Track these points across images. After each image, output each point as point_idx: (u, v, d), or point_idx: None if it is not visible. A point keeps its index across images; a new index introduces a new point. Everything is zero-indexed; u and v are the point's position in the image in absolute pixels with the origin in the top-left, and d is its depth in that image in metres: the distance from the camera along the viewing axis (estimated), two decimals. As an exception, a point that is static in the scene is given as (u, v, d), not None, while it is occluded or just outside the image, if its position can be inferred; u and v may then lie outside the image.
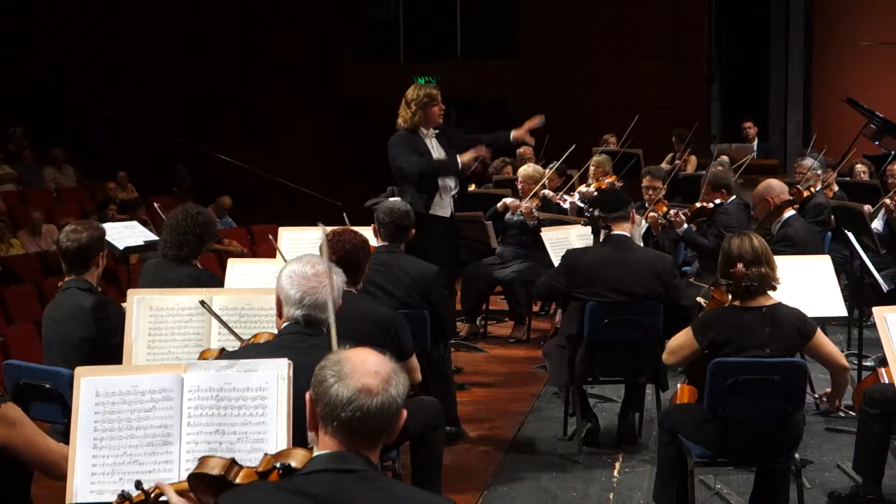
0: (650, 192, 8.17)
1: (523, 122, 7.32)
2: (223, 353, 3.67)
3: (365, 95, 15.05)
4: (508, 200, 8.50)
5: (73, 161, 14.47)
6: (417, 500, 2.39)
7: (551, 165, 9.26)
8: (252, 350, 3.53)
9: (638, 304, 5.61)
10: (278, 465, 2.51)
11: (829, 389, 4.82)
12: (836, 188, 9.50)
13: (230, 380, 3.17)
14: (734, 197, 7.95)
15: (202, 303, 4.27)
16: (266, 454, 2.65)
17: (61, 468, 3.19)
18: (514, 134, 7.25)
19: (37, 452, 3.26)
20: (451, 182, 6.97)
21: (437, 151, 6.88)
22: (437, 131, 6.95)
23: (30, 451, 3.24)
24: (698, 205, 7.83)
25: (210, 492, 2.63)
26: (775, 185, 7.18)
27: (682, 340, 4.71)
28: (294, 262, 3.53)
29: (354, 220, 5.88)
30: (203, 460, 2.68)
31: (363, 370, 2.35)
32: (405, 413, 2.42)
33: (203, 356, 3.70)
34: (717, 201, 7.76)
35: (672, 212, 7.78)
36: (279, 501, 2.33)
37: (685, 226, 7.68)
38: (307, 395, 2.43)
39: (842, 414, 6.14)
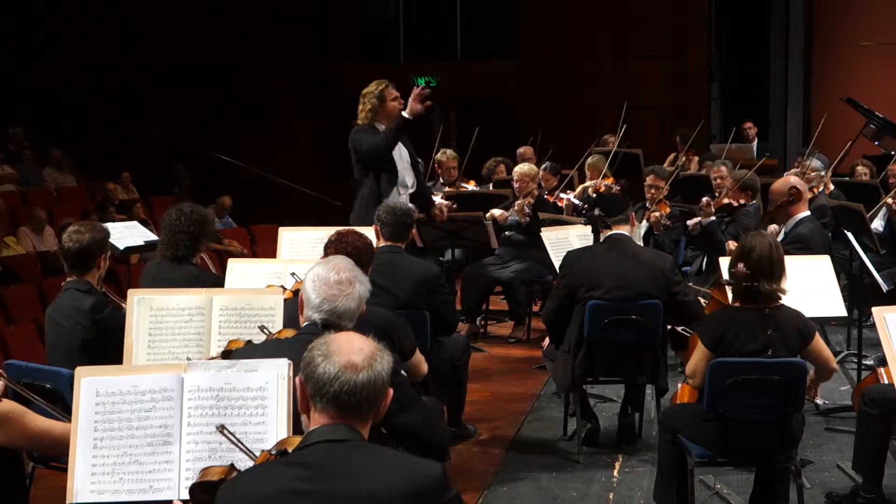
0: (652, 190, 8.17)
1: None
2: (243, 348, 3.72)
3: (365, 95, 15.04)
4: (497, 212, 8.60)
5: (73, 161, 14.47)
6: (408, 464, 2.50)
7: (544, 165, 9.30)
8: (272, 345, 3.60)
9: (638, 303, 5.60)
10: (274, 451, 2.62)
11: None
12: (832, 187, 9.47)
13: (230, 380, 3.17)
14: (755, 201, 7.98)
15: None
16: (263, 451, 2.72)
17: (64, 444, 3.21)
18: (406, 113, 6.77)
19: (37, 439, 3.34)
20: (408, 179, 6.97)
21: (397, 150, 6.89)
22: None
23: (34, 443, 3.35)
24: (725, 201, 7.87)
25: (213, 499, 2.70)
26: (796, 181, 7.18)
27: (696, 359, 4.62)
28: (320, 265, 3.57)
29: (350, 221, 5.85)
30: (204, 470, 2.81)
31: (348, 349, 2.52)
32: (391, 392, 2.56)
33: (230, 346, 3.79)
34: (742, 202, 7.81)
35: (704, 200, 7.81)
36: (279, 475, 2.44)
37: (712, 217, 7.72)
38: (297, 380, 2.56)
39: (819, 401, 6.32)
